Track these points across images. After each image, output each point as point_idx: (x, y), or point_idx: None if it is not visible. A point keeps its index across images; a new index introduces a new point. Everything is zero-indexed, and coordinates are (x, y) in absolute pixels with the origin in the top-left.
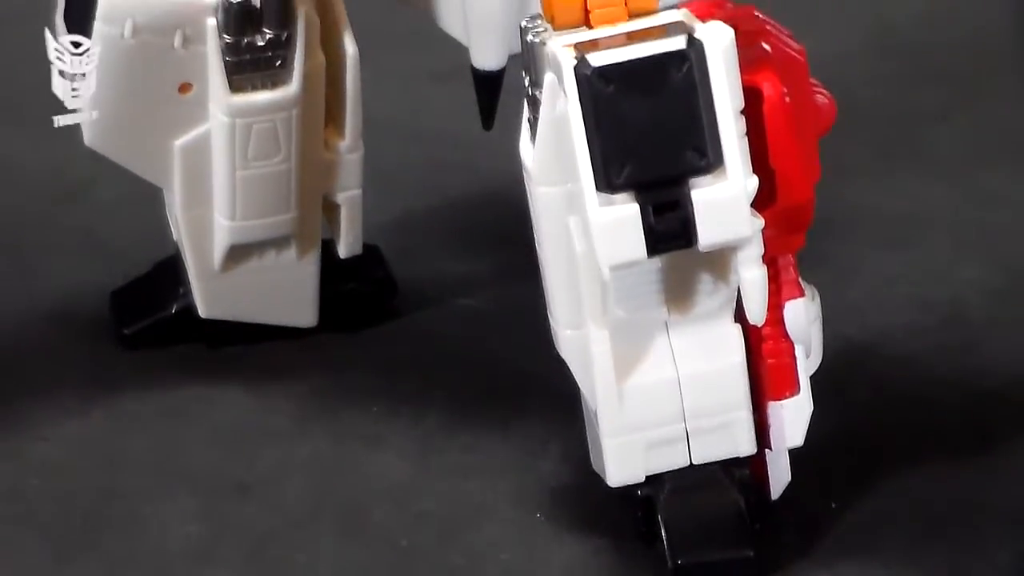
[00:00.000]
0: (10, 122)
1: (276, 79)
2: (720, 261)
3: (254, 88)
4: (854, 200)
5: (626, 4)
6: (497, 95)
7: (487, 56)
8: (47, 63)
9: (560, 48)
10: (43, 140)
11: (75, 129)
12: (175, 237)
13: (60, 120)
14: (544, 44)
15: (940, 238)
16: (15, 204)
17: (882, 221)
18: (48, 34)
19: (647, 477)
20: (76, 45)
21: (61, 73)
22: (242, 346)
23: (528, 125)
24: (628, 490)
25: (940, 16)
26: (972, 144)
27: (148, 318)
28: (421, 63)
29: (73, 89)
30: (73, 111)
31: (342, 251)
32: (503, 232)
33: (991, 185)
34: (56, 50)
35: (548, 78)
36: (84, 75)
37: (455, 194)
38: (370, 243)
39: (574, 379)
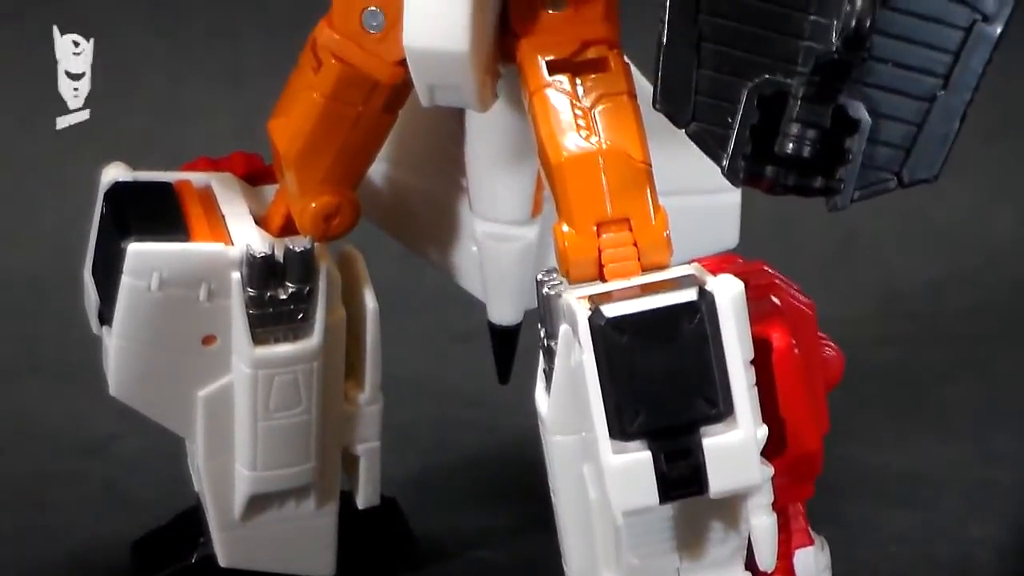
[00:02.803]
0: (33, 377)
1: (298, 332)
2: (731, 508)
3: (276, 340)
4: (864, 459)
5: (639, 259)
6: (513, 350)
7: (503, 311)
8: (70, 319)
9: (575, 300)
10: (66, 394)
11: (97, 383)
12: (196, 488)
13: (63, 121)
14: (559, 296)
15: (949, 497)
16: (39, 457)
17: (892, 480)
18: (56, 32)
19: None
20: (76, 44)
21: (67, 74)
22: None
23: (543, 375)
24: None
25: (946, 283)
26: (980, 405)
27: (169, 568)
28: (440, 323)
29: (74, 89)
30: (75, 110)
31: (360, 502)
32: (519, 487)
33: (999, 445)
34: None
35: (563, 329)
36: (83, 74)
37: (472, 450)
38: (388, 495)
39: None
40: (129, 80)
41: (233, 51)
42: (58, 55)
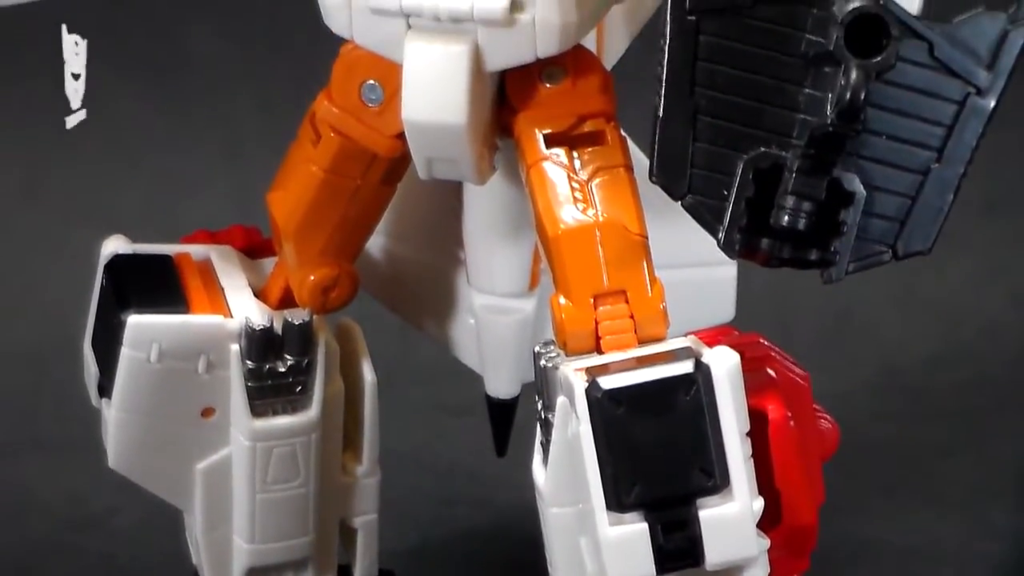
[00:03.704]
0: (32, 451)
1: (296, 404)
2: None
3: (275, 412)
4: (863, 534)
5: (636, 331)
6: (511, 423)
7: (501, 384)
8: (69, 393)
9: (572, 372)
10: (65, 468)
11: (96, 456)
12: (195, 560)
13: (71, 120)
14: (556, 369)
15: (946, 572)
16: (38, 531)
17: (888, 554)
18: (64, 31)
19: None
20: (75, 45)
21: (74, 76)
22: None
23: (540, 448)
24: None
25: (942, 358)
26: (976, 479)
27: None
28: (437, 396)
29: (74, 90)
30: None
31: (358, 575)
32: (516, 560)
33: (996, 519)
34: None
35: (560, 401)
36: (80, 75)
37: (469, 524)
38: (386, 568)
39: None
40: (128, 153)
41: (231, 124)
42: (66, 56)
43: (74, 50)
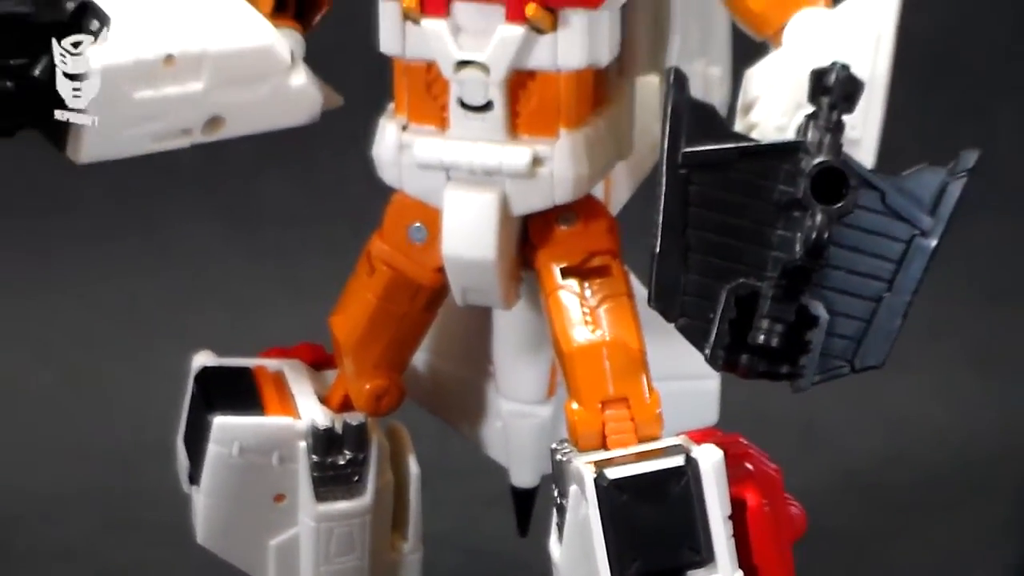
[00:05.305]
0: (127, 533)
1: (353, 491)
2: None
3: (336, 498)
4: None
5: (636, 431)
6: (531, 508)
7: (524, 476)
8: (161, 483)
9: (583, 465)
10: (155, 548)
11: (183, 536)
12: None
13: (60, 115)
14: (570, 462)
15: None
16: None
17: None
18: (53, 39)
19: None
20: (76, 45)
21: (65, 74)
22: None
23: (556, 528)
24: None
25: (894, 461)
26: (927, 561)
27: None
28: (470, 488)
29: (75, 89)
30: (74, 110)
31: None
32: None
33: None
34: (60, 53)
35: (573, 489)
36: (86, 75)
37: None
38: None
39: None
40: (210, 284)
41: (297, 260)
42: (56, 59)
43: (69, 50)
